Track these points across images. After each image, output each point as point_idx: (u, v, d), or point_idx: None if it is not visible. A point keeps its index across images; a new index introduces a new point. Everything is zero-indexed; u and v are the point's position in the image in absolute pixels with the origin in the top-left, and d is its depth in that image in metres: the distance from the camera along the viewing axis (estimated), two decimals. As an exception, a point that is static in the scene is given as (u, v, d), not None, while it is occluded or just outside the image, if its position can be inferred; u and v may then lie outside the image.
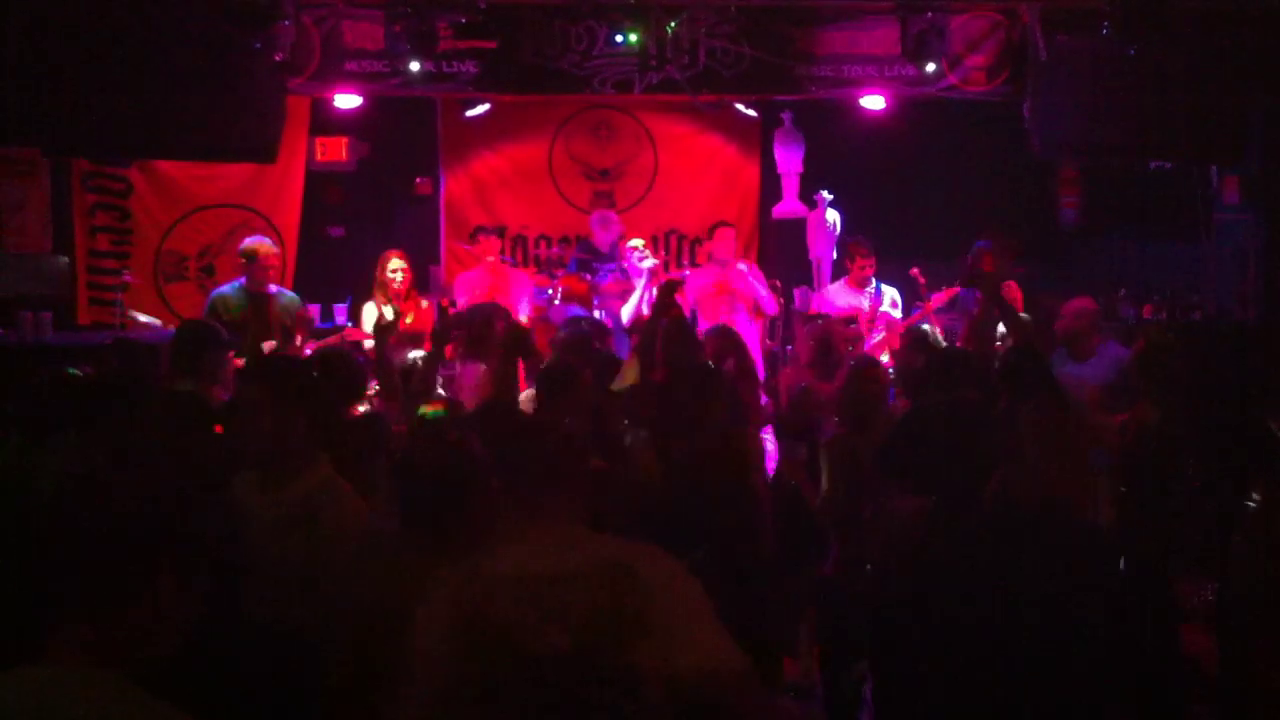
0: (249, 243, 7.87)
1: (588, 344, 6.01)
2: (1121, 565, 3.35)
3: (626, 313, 8.26)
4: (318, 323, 8.94)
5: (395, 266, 7.95)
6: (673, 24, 8.18)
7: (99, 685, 1.99)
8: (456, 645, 2.55)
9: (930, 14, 8.14)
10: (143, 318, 8.37)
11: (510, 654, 2.52)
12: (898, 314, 8.48)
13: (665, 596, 2.58)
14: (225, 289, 7.83)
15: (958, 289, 8.41)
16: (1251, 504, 4.10)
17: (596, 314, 8.47)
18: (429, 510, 3.17)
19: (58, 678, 2.00)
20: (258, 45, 7.92)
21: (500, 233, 9.41)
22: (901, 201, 9.96)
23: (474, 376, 6.14)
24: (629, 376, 5.46)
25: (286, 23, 8.03)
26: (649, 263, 8.29)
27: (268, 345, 7.50)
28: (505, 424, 2.93)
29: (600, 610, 2.53)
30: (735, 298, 8.39)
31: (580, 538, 2.68)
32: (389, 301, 7.88)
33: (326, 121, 9.70)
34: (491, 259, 8.63)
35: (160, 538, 2.09)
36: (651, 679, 2.50)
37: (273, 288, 7.89)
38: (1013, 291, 8.52)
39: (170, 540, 2.10)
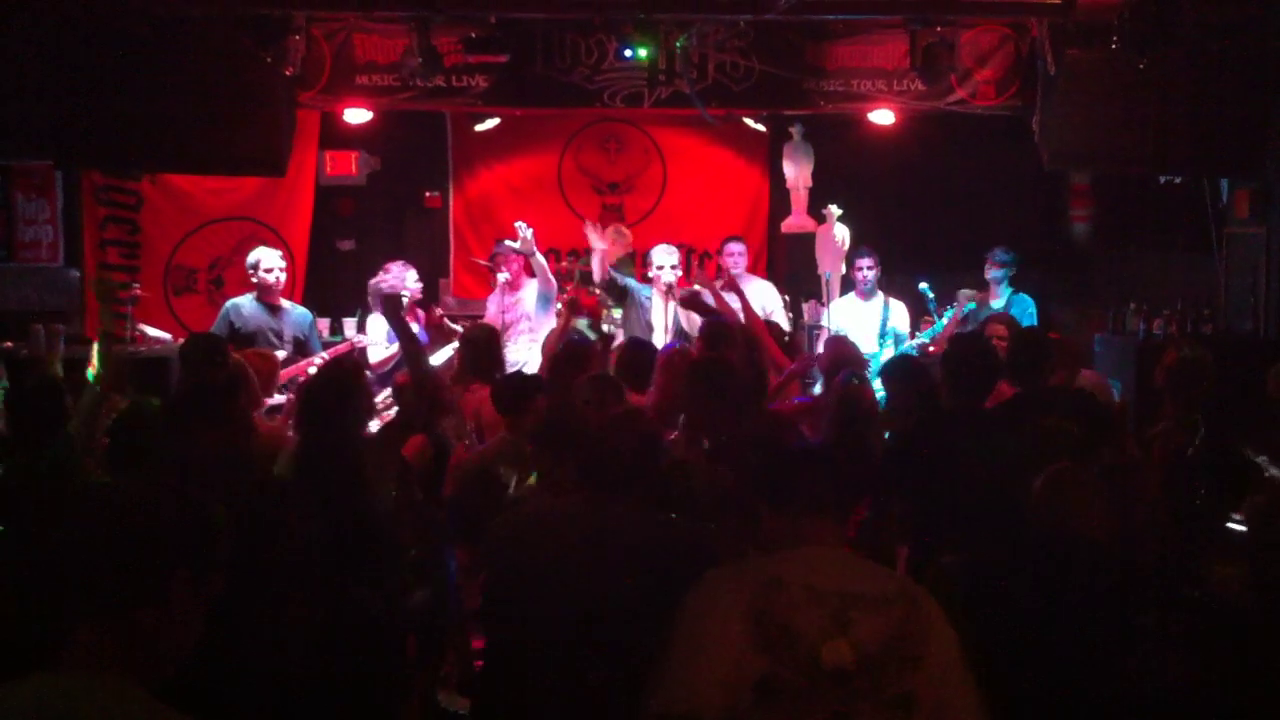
0: (253, 254, 7.98)
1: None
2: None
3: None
4: (326, 335, 8.97)
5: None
6: (682, 38, 8.18)
7: (112, 692, 2.00)
8: (746, 640, 2.63)
9: (939, 28, 8.14)
10: (152, 331, 8.39)
11: (798, 659, 2.61)
12: (905, 328, 8.48)
13: (941, 634, 2.69)
14: (239, 299, 7.92)
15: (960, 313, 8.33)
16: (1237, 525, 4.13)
17: (605, 327, 8.46)
18: (619, 478, 3.71)
19: (71, 684, 2.00)
20: (268, 59, 7.94)
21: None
22: (911, 216, 9.96)
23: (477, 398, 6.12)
24: None
25: (297, 37, 8.07)
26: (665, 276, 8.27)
27: (279, 356, 7.53)
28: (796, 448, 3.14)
29: (889, 634, 2.62)
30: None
31: (864, 562, 2.79)
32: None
33: (336, 135, 9.72)
34: (506, 276, 8.55)
35: (176, 541, 2.10)
36: (924, 707, 2.58)
37: (285, 302, 7.96)
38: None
39: (186, 543, 2.11)
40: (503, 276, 8.39)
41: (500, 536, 3.88)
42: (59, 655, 2.03)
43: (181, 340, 6.85)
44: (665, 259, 8.19)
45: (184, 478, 3.75)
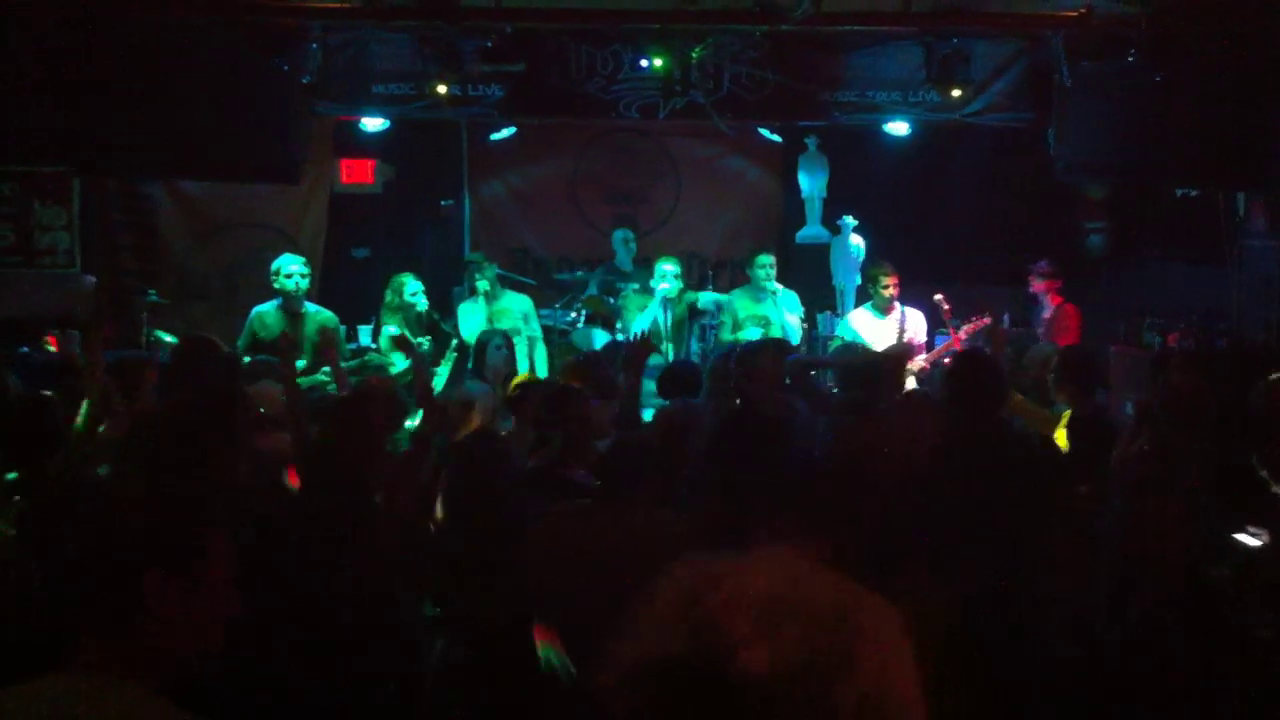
0: (275, 261, 7.95)
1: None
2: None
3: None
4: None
5: (415, 289, 7.99)
6: (698, 49, 8.20)
7: (116, 695, 2.01)
8: (674, 644, 2.62)
9: (955, 40, 8.15)
10: (166, 336, 8.41)
11: (716, 658, 2.59)
12: (923, 338, 8.47)
13: (878, 654, 2.61)
14: (264, 307, 7.91)
15: (987, 320, 8.38)
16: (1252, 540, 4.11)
17: (619, 336, 8.49)
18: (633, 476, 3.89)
19: (76, 687, 2.02)
20: (285, 67, 7.97)
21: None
22: (926, 227, 9.95)
23: None
24: None
25: (314, 45, 8.09)
26: (667, 290, 8.32)
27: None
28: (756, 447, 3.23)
29: (811, 647, 2.56)
30: (769, 324, 8.42)
31: (808, 570, 2.74)
32: (405, 325, 7.91)
33: (352, 143, 9.76)
34: (485, 286, 8.47)
35: (143, 542, 2.09)
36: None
37: (310, 306, 7.94)
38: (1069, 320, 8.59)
39: (155, 545, 2.10)
40: (483, 285, 8.33)
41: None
42: (70, 658, 2.05)
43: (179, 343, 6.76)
44: (667, 269, 8.36)
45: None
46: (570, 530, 3.97)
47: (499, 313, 8.32)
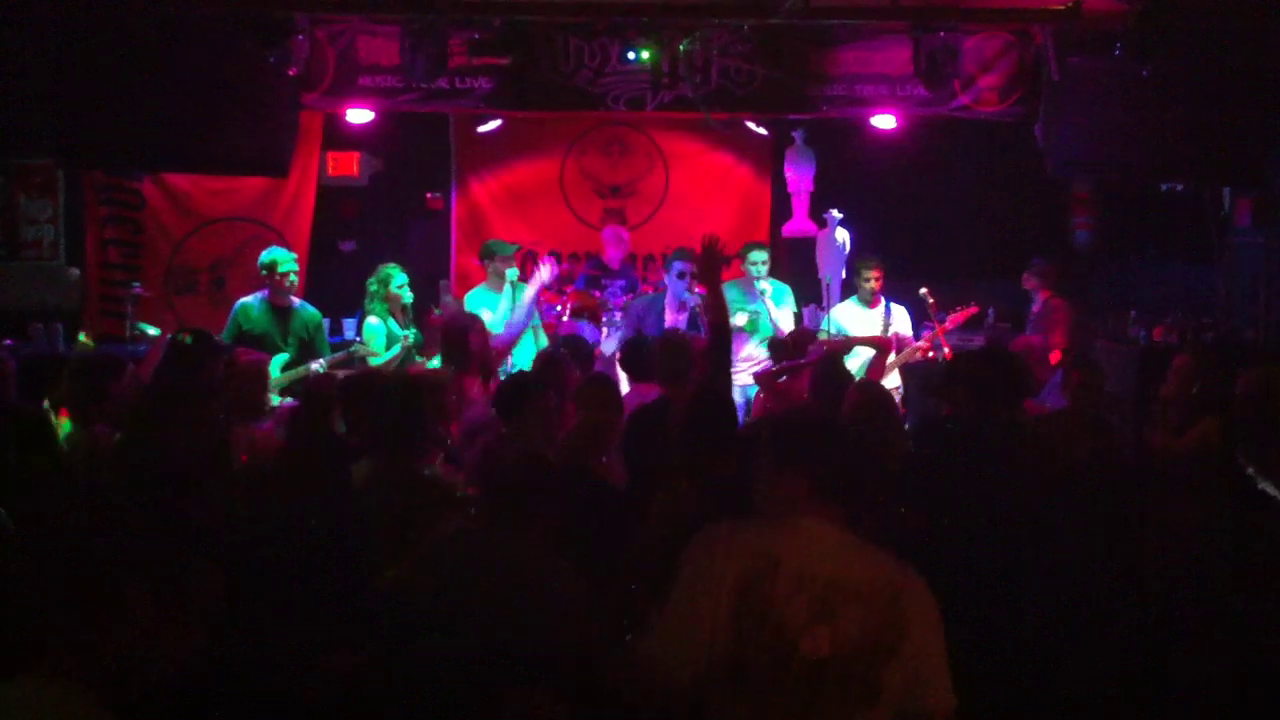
0: (267, 255, 7.86)
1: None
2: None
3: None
4: (328, 337, 8.92)
5: (401, 281, 7.94)
6: (686, 42, 8.19)
7: (54, 700, 2.01)
8: (729, 614, 2.63)
9: (943, 34, 8.15)
10: (152, 330, 8.37)
11: (771, 646, 2.61)
12: (908, 332, 8.47)
13: (920, 629, 2.68)
14: (249, 300, 7.82)
15: (974, 309, 8.42)
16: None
17: (604, 330, 8.46)
18: (511, 499, 3.54)
19: (34, 693, 2.02)
20: (272, 60, 7.94)
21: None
22: (912, 221, 9.96)
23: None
24: None
25: (301, 38, 8.06)
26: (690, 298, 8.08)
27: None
28: (803, 425, 3.04)
29: (867, 626, 2.62)
30: (756, 319, 8.37)
31: (858, 547, 2.73)
32: (391, 316, 7.87)
33: (339, 136, 9.72)
34: (517, 273, 8.27)
35: (119, 564, 2.10)
36: (888, 697, 2.58)
37: (295, 301, 7.89)
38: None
39: (133, 566, 2.10)
40: (512, 274, 8.20)
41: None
42: (37, 663, 2.05)
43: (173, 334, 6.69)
44: (685, 267, 8.07)
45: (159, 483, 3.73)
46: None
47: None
